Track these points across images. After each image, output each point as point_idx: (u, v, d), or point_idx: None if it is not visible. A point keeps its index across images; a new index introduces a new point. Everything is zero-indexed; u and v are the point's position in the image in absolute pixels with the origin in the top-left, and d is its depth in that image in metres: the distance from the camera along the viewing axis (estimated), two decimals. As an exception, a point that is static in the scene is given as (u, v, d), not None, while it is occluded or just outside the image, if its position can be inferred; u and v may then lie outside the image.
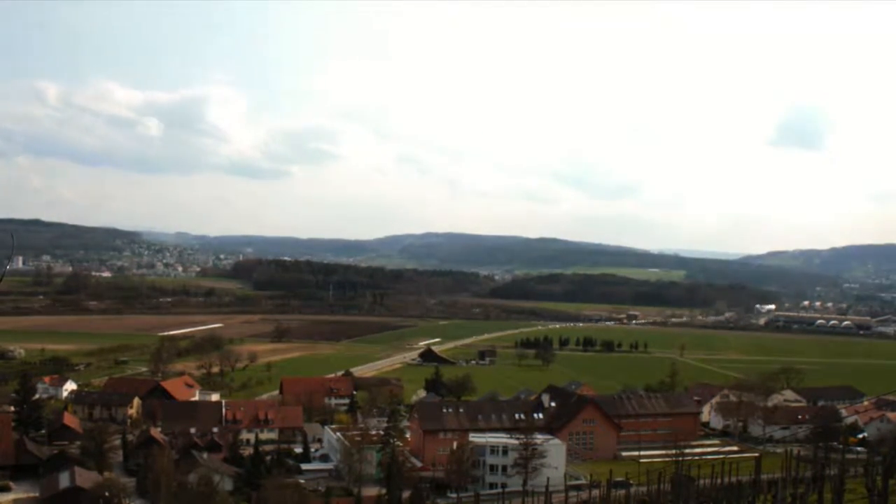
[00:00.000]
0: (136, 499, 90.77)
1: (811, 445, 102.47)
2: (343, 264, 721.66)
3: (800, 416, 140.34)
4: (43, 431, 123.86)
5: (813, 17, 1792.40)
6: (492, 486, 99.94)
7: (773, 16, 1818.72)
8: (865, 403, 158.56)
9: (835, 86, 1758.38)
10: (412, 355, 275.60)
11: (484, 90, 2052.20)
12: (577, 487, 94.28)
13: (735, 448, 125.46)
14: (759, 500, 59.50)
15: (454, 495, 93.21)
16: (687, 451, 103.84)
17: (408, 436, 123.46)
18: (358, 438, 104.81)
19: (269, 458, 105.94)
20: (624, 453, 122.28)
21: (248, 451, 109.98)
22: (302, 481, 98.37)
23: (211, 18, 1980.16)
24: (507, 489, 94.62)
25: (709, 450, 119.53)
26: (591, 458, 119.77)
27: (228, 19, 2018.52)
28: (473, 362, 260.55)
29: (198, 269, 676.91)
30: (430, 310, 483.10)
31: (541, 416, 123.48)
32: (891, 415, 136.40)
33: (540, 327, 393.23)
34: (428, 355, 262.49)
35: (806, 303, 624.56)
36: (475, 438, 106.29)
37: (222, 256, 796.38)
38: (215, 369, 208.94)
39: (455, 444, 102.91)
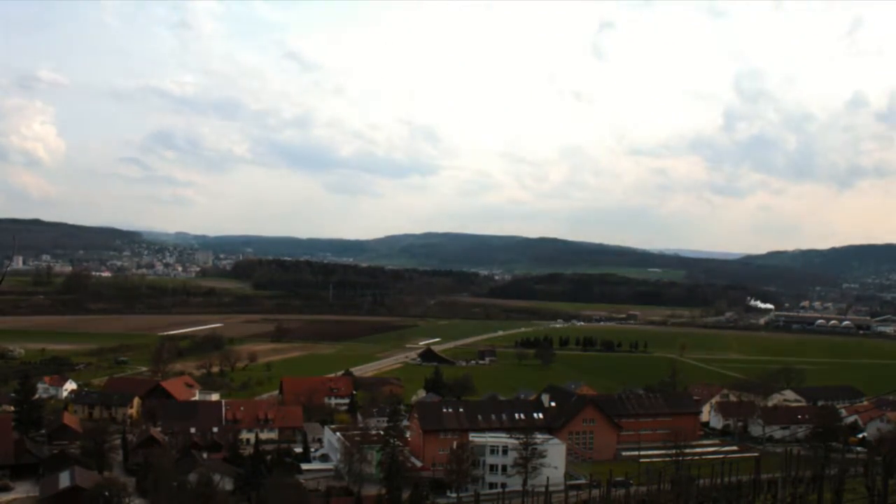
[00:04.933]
0: (136, 499, 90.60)
1: (811, 445, 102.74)
2: (343, 264, 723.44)
3: (800, 416, 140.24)
4: (43, 431, 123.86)
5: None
6: (492, 485, 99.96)
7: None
8: (865, 403, 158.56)
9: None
10: (412, 355, 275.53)
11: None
12: (577, 487, 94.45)
13: (735, 448, 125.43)
14: (758, 500, 59.49)
15: (454, 495, 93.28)
16: (687, 451, 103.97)
17: (408, 436, 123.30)
18: (358, 438, 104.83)
19: (269, 457, 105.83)
20: (624, 453, 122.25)
21: (248, 451, 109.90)
22: (302, 481, 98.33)
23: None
24: (507, 489, 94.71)
25: (709, 450, 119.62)
26: (591, 458, 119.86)
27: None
28: (473, 362, 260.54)
29: (198, 269, 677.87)
30: (430, 310, 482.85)
31: (541, 415, 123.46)
32: (891, 415, 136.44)
33: (540, 327, 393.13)
34: (428, 355, 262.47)
35: (806, 303, 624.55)
36: (475, 438, 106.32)
37: (222, 256, 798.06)
38: (215, 369, 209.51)
39: (455, 444, 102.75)
